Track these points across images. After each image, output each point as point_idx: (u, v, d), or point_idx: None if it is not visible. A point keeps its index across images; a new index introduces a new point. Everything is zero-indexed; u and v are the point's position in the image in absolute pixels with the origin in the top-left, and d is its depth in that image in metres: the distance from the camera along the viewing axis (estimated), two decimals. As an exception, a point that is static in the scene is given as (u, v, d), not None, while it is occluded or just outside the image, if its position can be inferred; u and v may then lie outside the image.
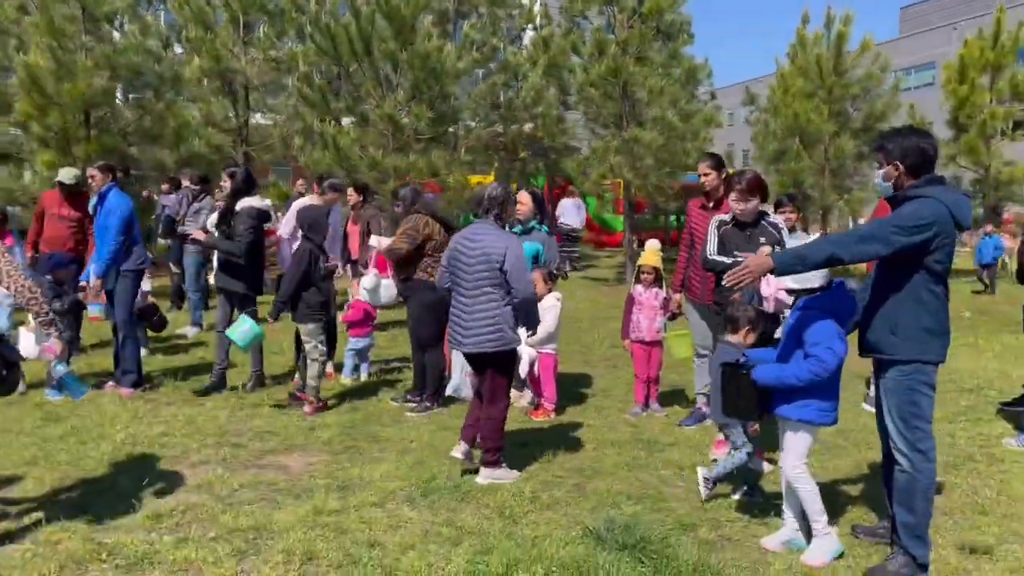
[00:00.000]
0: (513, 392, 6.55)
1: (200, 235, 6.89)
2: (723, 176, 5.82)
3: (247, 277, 6.61)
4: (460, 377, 6.02)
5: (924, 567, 3.67)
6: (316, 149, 13.46)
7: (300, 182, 12.97)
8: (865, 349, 3.77)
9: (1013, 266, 13.31)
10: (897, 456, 3.68)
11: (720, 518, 4.37)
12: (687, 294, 6.07)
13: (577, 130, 19.58)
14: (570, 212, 18.09)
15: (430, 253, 6.42)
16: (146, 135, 14.06)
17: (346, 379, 7.45)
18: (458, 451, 5.05)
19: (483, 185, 5.37)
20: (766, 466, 4.89)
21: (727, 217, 5.35)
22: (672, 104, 15.87)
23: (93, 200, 6.95)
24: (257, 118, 19.28)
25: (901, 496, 3.69)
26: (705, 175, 5.77)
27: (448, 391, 6.22)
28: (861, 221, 17.14)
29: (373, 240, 6.53)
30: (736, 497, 4.62)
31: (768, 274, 3.63)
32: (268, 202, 6.83)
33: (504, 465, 4.97)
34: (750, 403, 3.93)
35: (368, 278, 6.48)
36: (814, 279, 3.70)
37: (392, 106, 14.01)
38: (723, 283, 3.61)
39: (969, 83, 17.58)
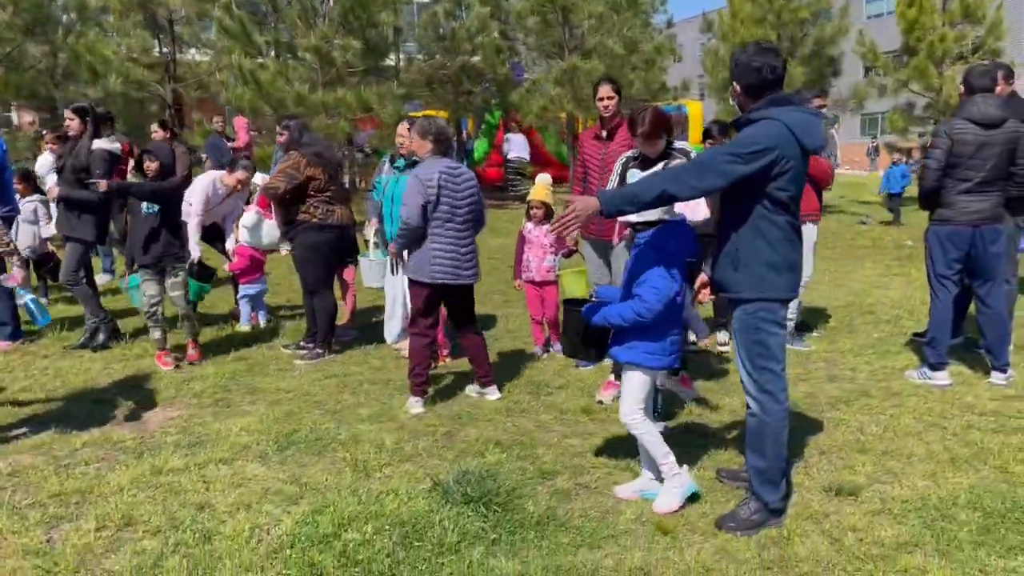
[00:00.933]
0: (398, 340, 6.31)
1: (103, 185, 6.35)
2: (620, 103, 5.48)
3: (95, 224, 6.16)
4: (400, 326, 5.82)
5: (777, 512, 3.50)
6: (238, 85, 12.88)
7: (217, 119, 12.41)
8: (715, 288, 3.52)
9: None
10: (747, 399, 3.47)
11: (585, 464, 4.17)
12: (581, 230, 5.77)
13: (520, 59, 18.99)
14: (517, 145, 17.65)
15: (313, 194, 6.06)
16: (60, 73, 13.38)
17: (243, 326, 7.15)
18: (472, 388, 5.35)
19: (429, 119, 5.04)
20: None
21: (633, 153, 5.02)
22: (616, 33, 15.35)
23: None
24: (192, 53, 18.49)
25: (752, 440, 3.49)
26: (609, 99, 5.40)
27: (393, 340, 6.01)
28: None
29: (257, 177, 6.14)
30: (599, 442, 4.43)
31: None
32: (118, 144, 6.38)
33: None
34: (587, 342, 3.69)
35: (248, 215, 6.11)
36: (651, 213, 3.41)
37: (319, 37, 13.40)
38: (548, 230, 3.30)
39: (918, 5, 17.13)
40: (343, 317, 7.15)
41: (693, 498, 3.69)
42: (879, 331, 6.97)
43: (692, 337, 5.86)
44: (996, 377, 5.39)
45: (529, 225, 5.92)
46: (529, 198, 5.92)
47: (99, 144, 6.06)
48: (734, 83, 3.36)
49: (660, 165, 4.68)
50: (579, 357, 4.07)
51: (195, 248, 6.56)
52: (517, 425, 4.75)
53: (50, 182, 6.46)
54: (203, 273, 6.64)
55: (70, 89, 15.49)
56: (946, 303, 5.41)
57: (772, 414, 3.41)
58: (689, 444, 4.38)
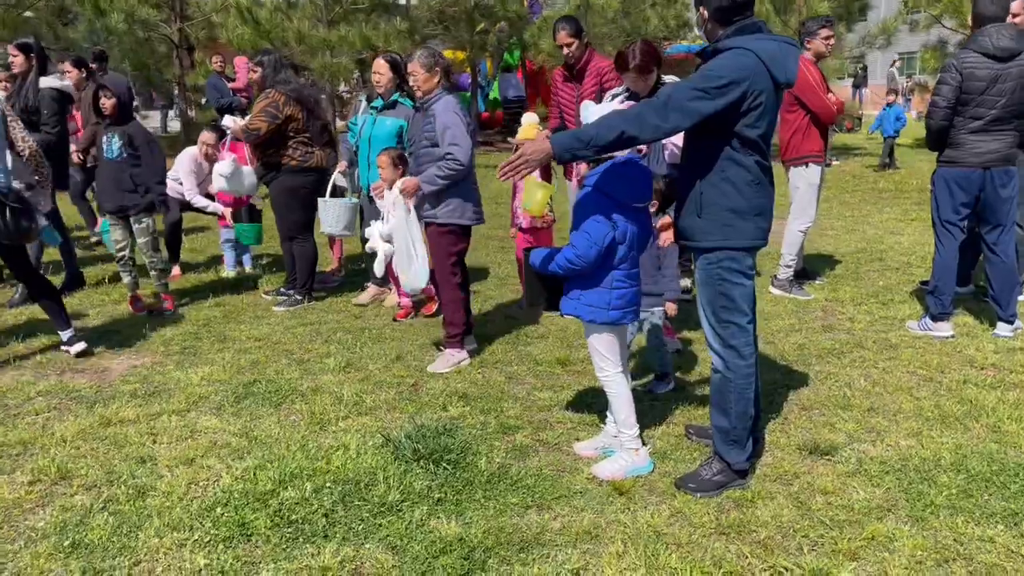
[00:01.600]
0: (374, 289, 6.08)
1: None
2: (585, 43, 5.13)
3: (53, 168, 5.90)
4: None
5: (741, 473, 3.28)
6: (238, 24, 12.55)
7: (216, 59, 12.11)
8: (678, 236, 3.25)
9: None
10: (711, 354, 3.23)
11: (550, 419, 3.97)
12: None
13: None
14: (513, 84, 17.19)
15: (292, 135, 5.81)
16: (58, 11, 13.12)
17: (229, 272, 7.00)
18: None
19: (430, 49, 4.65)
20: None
21: (619, 90, 4.71)
22: (632, -35, 14.73)
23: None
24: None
25: (716, 398, 3.26)
26: (567, 45, 5.09)
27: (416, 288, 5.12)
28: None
29: (227, 120, 5.89)
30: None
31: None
32: (69, 82, 6.12)
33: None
34: (540, 289, 3.44)
35: (224, 164, 5.88)
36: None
37: (322, -27, 12.99)
38: (497, 176, 3.03)
39: (954, -68, 16.15)
40: (332, 263, 6.98)
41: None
42: (885, 279, 6.64)
43: (686, 283, 5.60)
44: (1002, 329, 5.08)
45: None
46: (516, 139, 5.59)
47: (46, 82, 5.80)
48: (700, 7, 3.04)
49: None
50: (536, 305, 3.85)
51: (217, 206, 6.70)
52: (487, 377, 4.56)
53: None
54: (252, 216, 6.54)
55: (78, 29, 15.23)
56: (951, 250, 5.08)
57: (737, 371, 3.17)
58: (662, 397, 4.17)
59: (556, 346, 5.06)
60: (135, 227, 5.62)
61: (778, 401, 4.13)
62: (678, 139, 3.89)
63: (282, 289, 6.26)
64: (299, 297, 6.04)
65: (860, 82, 27.99)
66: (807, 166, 6.14)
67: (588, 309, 3.22)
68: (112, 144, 5.47)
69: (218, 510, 3.11)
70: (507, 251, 7.88)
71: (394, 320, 5.62)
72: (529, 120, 5.61)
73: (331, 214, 5.59)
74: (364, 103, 5.78)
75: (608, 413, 3.56)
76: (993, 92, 4.76)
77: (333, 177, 5.79)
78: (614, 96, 4.71)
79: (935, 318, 5.14)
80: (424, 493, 3.23)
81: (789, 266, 6.23)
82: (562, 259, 3.16)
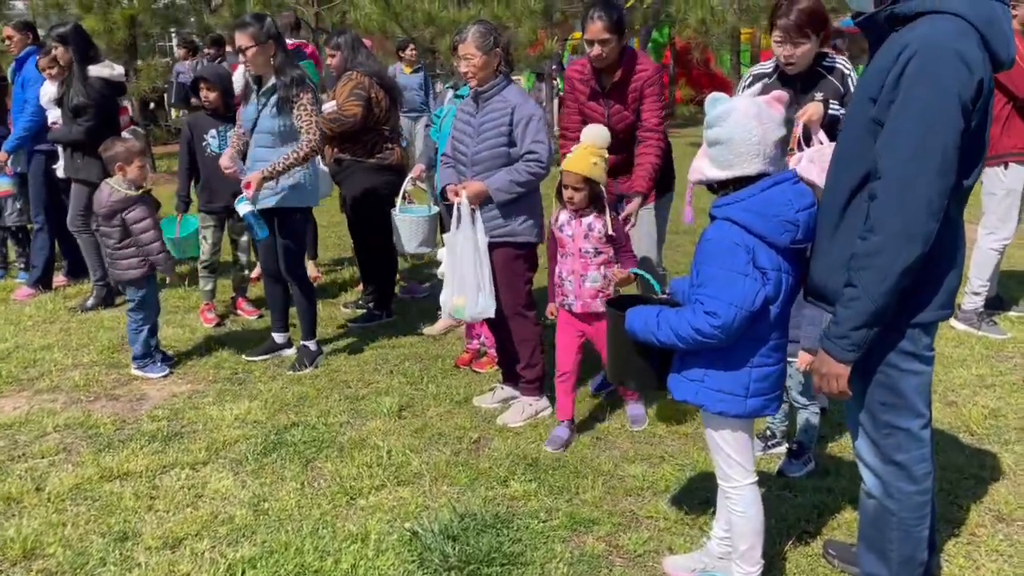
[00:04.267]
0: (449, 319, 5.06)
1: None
2: (624, 44, 3.82)
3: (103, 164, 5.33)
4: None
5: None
6: (366, 3, 12.05)
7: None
8: (811, 293, 2.20)
9: None
10: (861, 470, 2.17)
11: (638, 511, 3.02)
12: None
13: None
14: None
15: (372, 126, 5.08)
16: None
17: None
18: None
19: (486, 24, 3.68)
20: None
21: (768, 67, 3.58)
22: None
23: (12, 67, 6.03)
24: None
25: (867, 531, 2.21)
26: (602, 43, 3.64)
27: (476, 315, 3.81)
28: None
29: (328, 105, 5.07)
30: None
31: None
32: (120, 69, 5.58)
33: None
34: (634, 361, 2.43)
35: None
36: (743, 164, 2.15)
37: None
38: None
39: None
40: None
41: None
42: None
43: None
44: None
45: (563, 216, 3.49)
46: (563, 168, 3.39)
47: (95, 71, 5.28)
48: None
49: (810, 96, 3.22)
50: (624, 383, 2.85)
51: None
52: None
53: (52, 117, 5.58)
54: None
55: (222, 15, 15.34)
56: None
57: (903, 499, 2.11)
58: (796, 484, 3.11)
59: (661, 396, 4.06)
60: (232, 225, 5.23)
61: (961, 504, 2.98)
62: (809, 172, 2.74)
63: (360, 301, 5.57)
64: (377, 312, 5.33)
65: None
66: (1006, 167, 4.78)
67: (716, 396, 2.25)
68: (225, 138, 5.02)
69: (176, 632, 2.39)
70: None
71: (455, 366, 4.52)
72: (591, 136, 3.36)
73: (406, 229, 4.76)
74: (451, 93, 4.95)
75: (715, 522, 2.57)
76: None
77: (405, 184, 4.98)
78: (756, 78, 3.53)
79: None
80: (445, 628, 2.38)
81: (978, 293, 4.89)
82: (686, 328, 2.19)
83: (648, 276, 2.91)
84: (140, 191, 4.29)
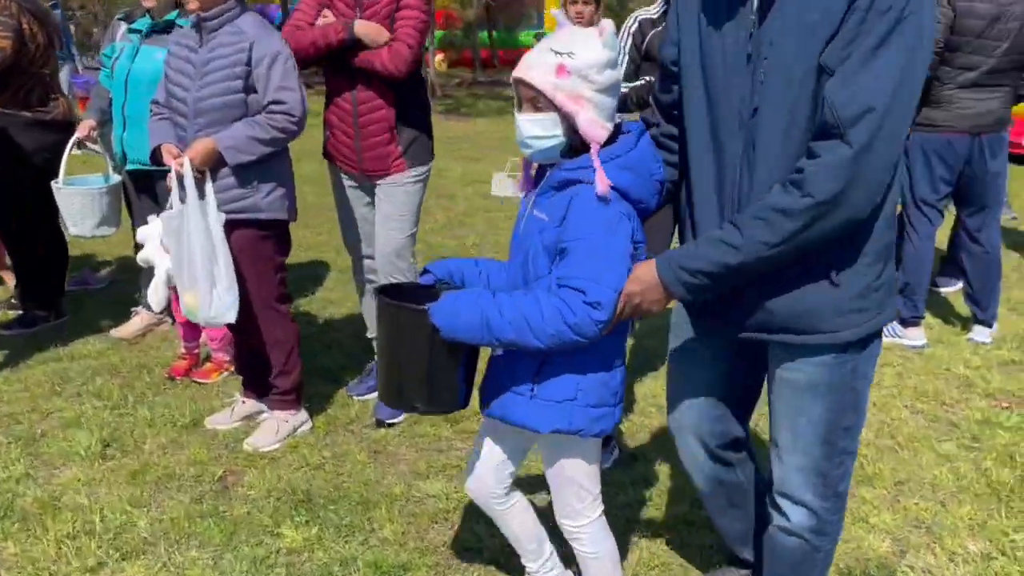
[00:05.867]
0: (146, 316, 4.12)
1: None
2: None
3: None
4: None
5: None
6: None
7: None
8: (749, 327, 1.77)
9: None
10: (786, 505, 1.81)
11: (452, 544, 2.48)
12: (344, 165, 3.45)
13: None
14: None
15: (27, 67, 3.83)
16: None
17: None
18: None
19: None
20: None
21: (654, 12, 3.05)
22: None
23: None
24: None
25: (784, 573, 1.88)
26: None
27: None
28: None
29: None
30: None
31: None
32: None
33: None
34: (440, 376, 1.78)
35: None
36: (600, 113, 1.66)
37: None
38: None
39: None
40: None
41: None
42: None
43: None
44: (979, 333, 4.12)
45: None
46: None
47: None
48: None
49: None
50: (417, 406, 1.95)
51: None
52: (340, 453, 2.97)
53: None
54: None
55: None
56: (926, 238, 4.05)
57: (833, 533, 1.83)
58: (608, 479, 2.80)
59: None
60: None
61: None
62: None
63: (13, 300, 4.27)
64: (41, 313, 4.10)
65: None
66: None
67: (593, 415, 1.76)
68: None
69: None
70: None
71: (168, 378, 3.57)
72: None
73: (76, 206, 3.60)
74: (123, 27, 3.86)
75: (528, 553, 2.09)
76: (992, 35, 3.69)
77: (69, 146, 3.78)
78: (639, 21, 3.04)
79: (906, 322, 4.10)
80: None
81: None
82: (556, 323, 1.62)
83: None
84: None
